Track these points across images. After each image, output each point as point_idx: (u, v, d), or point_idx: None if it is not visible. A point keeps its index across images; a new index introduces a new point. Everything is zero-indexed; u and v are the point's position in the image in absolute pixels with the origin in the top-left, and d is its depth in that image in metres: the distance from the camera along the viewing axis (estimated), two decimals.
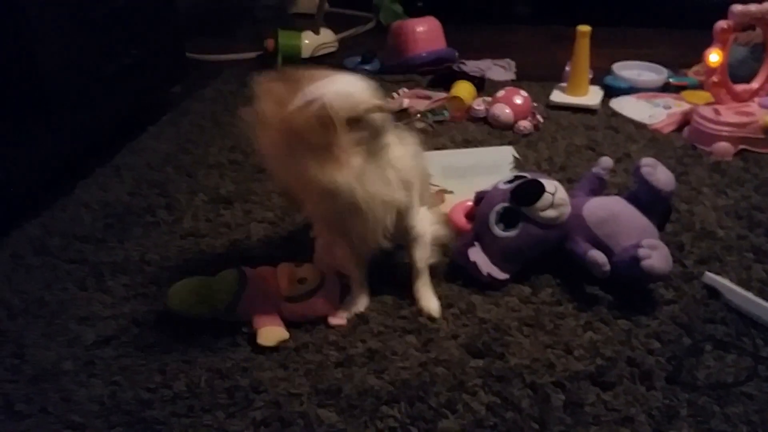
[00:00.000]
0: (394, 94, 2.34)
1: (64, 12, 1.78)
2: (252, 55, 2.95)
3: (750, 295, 1.34)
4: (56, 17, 1.75)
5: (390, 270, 1.45)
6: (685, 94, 2.30)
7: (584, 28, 2.19)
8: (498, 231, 1.42)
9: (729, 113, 1.96)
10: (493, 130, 2.15)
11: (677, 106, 2.21)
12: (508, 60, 2.75)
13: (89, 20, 1.89)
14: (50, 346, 1.30)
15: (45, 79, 1.73)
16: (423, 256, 1.41)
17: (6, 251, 1.58)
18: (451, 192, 1.73)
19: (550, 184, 1.40)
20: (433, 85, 2.47)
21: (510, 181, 1.46)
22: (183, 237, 1.63)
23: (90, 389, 1.20)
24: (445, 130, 2.15)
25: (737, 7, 1.94)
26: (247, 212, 1.72)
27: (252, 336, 1.29)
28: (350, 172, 1.16)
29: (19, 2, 1.63)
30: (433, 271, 1.43)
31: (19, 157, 1.67)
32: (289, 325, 1.31)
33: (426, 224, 1.41)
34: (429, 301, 1.39)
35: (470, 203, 1.59)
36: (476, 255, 1.41)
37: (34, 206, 1.74)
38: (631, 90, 2.35)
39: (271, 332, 1.28)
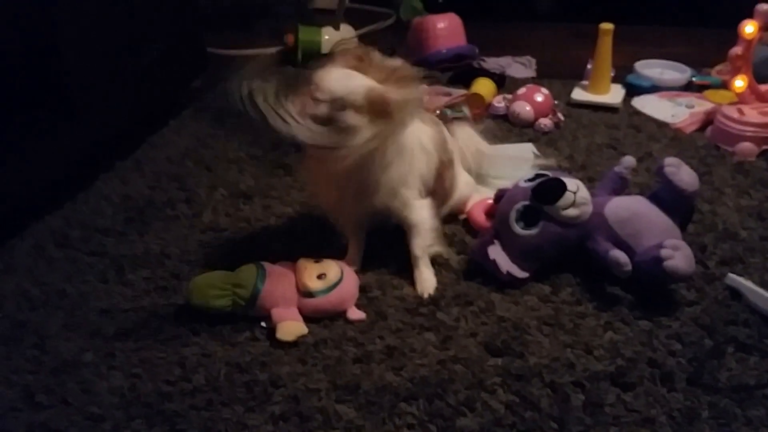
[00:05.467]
0: None
1: (88, 7, 1.79)
2: (272, 50, 2.95)
3: None
4: (80, 12, 1.76)
5: (410, 266, 1.46)
6: (707, 93, 2.27)
7: (607, 26, 2.17)
8: (518, 229, 1.41)
9: (753, 113, 1.93)
10: (513, 128, 2.13)
11: (700, 105, 2.19)
12: (528, 57, 2.73)
13: (112, 15, 1.90)
14: (71, 337, 1.31)
15: (68, 73, 1.74)
16: (420, 243, 1.43)
17: (28, 243, 1.60)
18: None
19: (572, 183, 1.39)
20: (453, 82, 2.46)
21: (531, 179, 1.45)
22: (203, 231, 1.63)
23: (110, 381, 1.20)
24: None
25: (763, 6, 1.91)
26: (266, 207, 1.72)
27: (271, 331, 1.29)
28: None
29: None
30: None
31: (42, 150, 1.68)
32: (307, 320, 1.32)
33: (425, 213, 1.42)
34: (425, 282, 1.42)
35: (490, 201, 1.58)
36: (496, 253, 1.41)
37: (55, 199, 1.75)
38: (653, 89, 2.33)
39: (290, 327, 1.29)
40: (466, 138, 1.71)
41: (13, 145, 1.61)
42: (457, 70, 2.52)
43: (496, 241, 1.43)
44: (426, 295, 1.40)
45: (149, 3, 2.10)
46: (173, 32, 2.24)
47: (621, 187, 1.53)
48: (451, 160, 1.54)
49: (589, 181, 1.70)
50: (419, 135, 1.41)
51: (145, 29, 2.08)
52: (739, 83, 1.98)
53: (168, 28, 2.22)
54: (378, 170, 1.32)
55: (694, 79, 2.38)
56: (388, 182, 1.35)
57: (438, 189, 1.48)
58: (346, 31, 2.92)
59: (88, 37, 1.80)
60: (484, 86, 2.28)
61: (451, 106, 2.23)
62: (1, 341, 1.30)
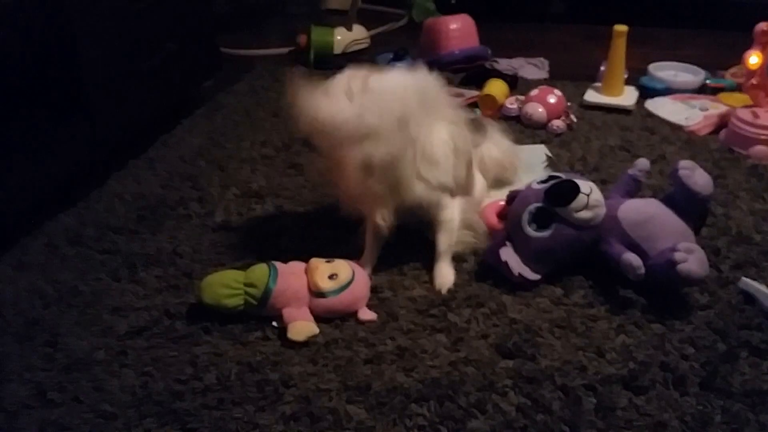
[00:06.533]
0: None
1: (104, 7, 1.80)
2: (284, 50, 2.96)
3: None
4: (95, 12, 1.77)
5: (422, 267, 1.46)
6: (722, 96, 2.26)
7: (621, 28, 2.16)
8: (530, 231, 1.41)
9: (767, 116, 1.92)
10: (525, 129, 2.13)
11: (714, 108, 2.18)
12: (541, 58, 2.73)
13: (126, 14, 1.91)
14: (83, 335, 1.32)
15: (83, 72, 1.75)
16: (446, 240, 1.45)
17: (41, 241, 1.60)
18: None
19: (585, 185, 1.39)
20: (466, 83, 2.46)
21: (544, 181, 1.44)
22: (215, 230, 1.64)
23: (122, 379, 1.21)
24: None
25: None
26: (278, 207, 1.73)
27: (282, 330, 1.29)
28: None
29: None
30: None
31: (55, 148, 1.69)
32: (318, 320, 1.32)
33: (455, 211, 1.45)
34: (443, 278, 1.43)
35: (503, 202, 1.57)
36: (508, 255, 1.40)
37: (69, 197, 1.76)
38: (667, 91, 2.32)
39: (301, 327, 1.28)
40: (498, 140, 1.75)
41: (27, 143, 1.62)
42: (469, 72, 2.51)
43: (508, 242, 1.43)
44: (444, 291, 1.40)
45: (164, 2, 2.10)
46: (187, 32, 2.25)
47: (635, 190, 1.52)
48: (471, 159, 1.54)
49: (602, 183, 1.69)
50: (454, 136, 1.41)
51: (159, 29, 2.09)
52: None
53: (182, 28, 2.22)
54: (413, 167, 1.34)
55: (708, 81, 2.37)
56: (425, 180, 1.37)
57: (464, 187, 1.49)
58: (359, 31, 2.93)
59: (102, 37, 1.81)
60: (496, 87, 2.27)
61: (463, 108, 2.23)
62: (14, 339, 1.31)
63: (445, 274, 1.44)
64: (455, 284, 1.43)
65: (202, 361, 1.24)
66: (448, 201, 1.44)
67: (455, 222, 1.46)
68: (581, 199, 1.37)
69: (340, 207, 1.51)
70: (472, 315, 1.34)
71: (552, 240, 1.39)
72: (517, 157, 1.77)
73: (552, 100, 2.13)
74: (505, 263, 1.39)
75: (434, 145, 1.37)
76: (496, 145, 1.73)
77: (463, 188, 1.50)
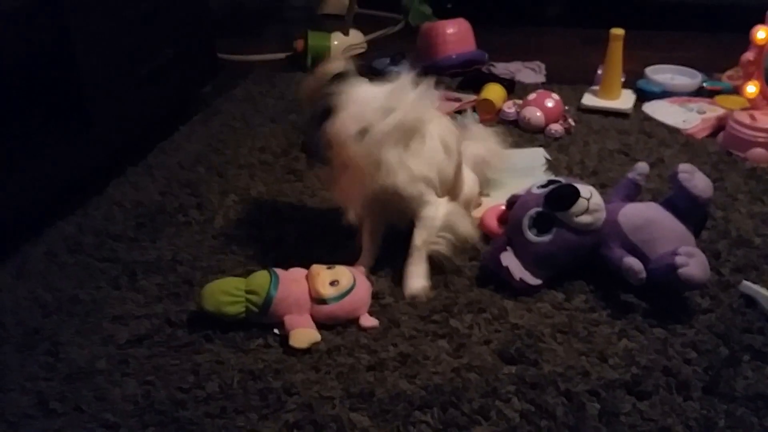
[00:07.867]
0: None
1: (102, 13, 1.80)
2: (281, 55, 2.95)
3: None
4: (94, 18, 1.77)
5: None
6: (719, 98, 2.26)
7: (618, 31, 2.17)
8: (531, 236, 1.41)
9: (765, 119, 1.92)
10: (523, 133, 2.13)
11: (711, 110, 2.18)
12: (537, 62, 2.73)
13: (125, 21, 1.90)
14: (84, 344, 1.31)
15: (81, 79, 1.74)
16: (423, 235, 1.43)
17: (40, 249, 1.60)
18: (487, 195, 1.72)
19: (585, 189, 1.39)
20: (463, 88, 2.46)
21: (544, 186, 1.44)
22: (215, 237, 1.63)
23: (124, 388, 1.20)
24: None
25: None
26: (278, 213, 1.72)
27: (284, 338, 1.29)
28: None
29: (59, 4, 1.65)
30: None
31: (53, 156, 1.69)
32: (320, 327, 1.32)
33: (438, 212, 1.43)
34: (413, 280, 1.41)
35: (503, 207, 1.57)
36: (508, 260, 1.40)
37: (68, 204, 1.75)
38: (664, 94, 2.32)
39: (303, 334, 1.28)
40: (484, 138, 1.74)
41: (25, 151, 1.62)
42: (466, 76, 2.51)
43: (508, 247, 1.42)
44: (414, 297, 1.39)
45: (162, 8, 2.10)
46: (185, 37, 2.25)
47: (634, 194, 1.53)
48: (461, 162, 1.54)
49: (601, 187, 1.69)
50: (446, 134, 1.42)
51: (157, 35, 2.09)
52: (751, 89, 1.98)
53: (181, 34, 2.22)
54: (399, 155, 1.34)
55: (705, 84, 2.37)
56: (408, 168, 1.35)
57: (452, 189, 1.49)
58: (355, 36, 2.93)
59: (100, 44, 1.81)
60: (494, 92, 2.27)
61: (460, 112, 2.23)
62: (14, 348, 1.30)
63: (416, 277, 1.41)
64: (456, 290, 1.42)
65: (204, 369, 1.24)
66: (433, 199, 1.42)
67: (437, 221, 1.42)
68: (581, 203, 1.37)
69: (342, 213, 1.51)
70: (474, 321, 1.34)
71: (553, 245, 1.39)
72: (502, 157, 1.77)
73: (550, 104, 2.13)
74: (506, 268, 1.39)
75: (424, 137, 1.38)
76: (480, 142, 1.73)
77: (451, 190, 1.50)
